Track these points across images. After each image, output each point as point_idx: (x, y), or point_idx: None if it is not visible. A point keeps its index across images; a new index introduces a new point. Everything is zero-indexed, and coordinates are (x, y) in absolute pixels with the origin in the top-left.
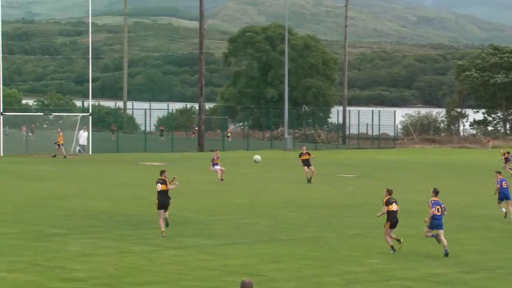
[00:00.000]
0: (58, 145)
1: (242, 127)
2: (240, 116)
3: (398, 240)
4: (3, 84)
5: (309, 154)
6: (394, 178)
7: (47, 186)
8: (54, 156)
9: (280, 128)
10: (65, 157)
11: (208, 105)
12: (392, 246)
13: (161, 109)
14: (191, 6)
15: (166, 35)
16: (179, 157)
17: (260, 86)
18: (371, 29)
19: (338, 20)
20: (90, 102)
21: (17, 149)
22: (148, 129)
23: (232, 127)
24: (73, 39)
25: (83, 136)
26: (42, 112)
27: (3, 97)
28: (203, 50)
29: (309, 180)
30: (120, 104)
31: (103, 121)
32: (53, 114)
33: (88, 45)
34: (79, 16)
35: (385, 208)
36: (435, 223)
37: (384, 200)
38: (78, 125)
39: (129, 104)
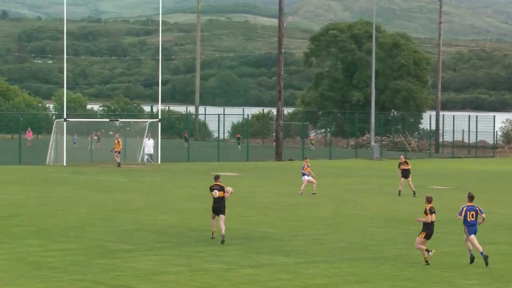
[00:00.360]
0: (115, 152)
1: (324, 134)
2: (322, 122)
3: (428, 251)
4: (67, 88)
5: (407, 164)
6: (494, 190)
7: (112, 198)
8: (119, 165)
9: (366, 135)
10: (119, 165)
11: (287, 110)
12: (426, 259)
13: (235, 114)
14: (269, 2)
15: (242, 34)
16: (255, 167)
17: (344, 89)
18: (468, 25)
19: (432, 16)
20: (159, 107)
21: (82, 158)
22: (221, 136)
23: (313, 134)
24: (142, 39)
25: (149, 145)
26: (108, 118)
27: (67, 102)
28: (282, 50)
29: (400, 193)
30: (191, 109)
31: (173, 128)
32: (120, 120)
33: (158, 45)
34: (149, 14)
35: (429, 217)
36: (471, 229)
37: (427, 209)
38: (146, 131)
39: (201, 109)
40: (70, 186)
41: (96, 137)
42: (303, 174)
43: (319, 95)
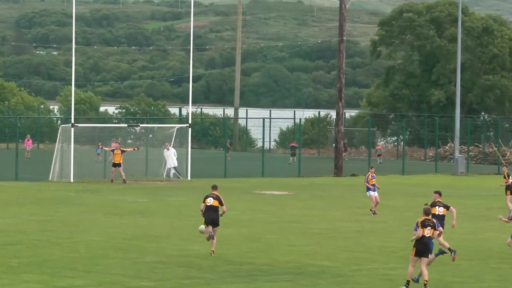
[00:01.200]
0: (115, 165)
1: (395, 143)
2: (393, 128)
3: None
4: (76, 86)
5: (507, 178)
6: None
7: (131, 222)
8: (125, 181)
9: (448, 145)
10: (111, 181)
11: (350, 113)
12: (408, 281)
13: (285, 118)
14: None
15: (293, 18)
16: (308, 184)
17: (421, 86)
18: None
19: None
20: (190, 109)
21: (93, 173)
22: (266, 146)
23: (382, 142)
24: (169, 25)
25: (171, 156)
26: (126, 123)
27: (76, 102)
28: (344, 38)
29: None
30: (229, 111)
31: (207, 135)
32: (141, 125)
33: (189, 32)
34: None
35: (419, 232)
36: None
37: (419, 222)
38: (173, 139)
39: (241, 112)
40: (79, 207)
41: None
42: (368, 189)
43: (390, 94)
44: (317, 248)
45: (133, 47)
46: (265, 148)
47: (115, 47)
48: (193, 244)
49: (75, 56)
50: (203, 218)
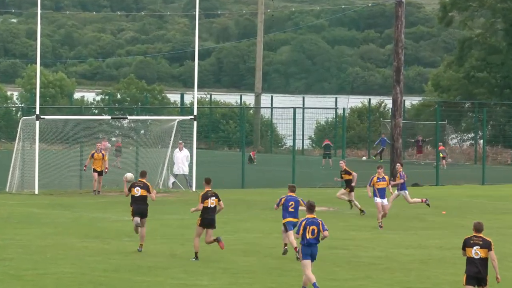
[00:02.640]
0: (97, 172)
1: (472, 142)
2: (470, 121)
3: None
4: (42, 64)
5: None
6: None
7: (115, 248)
8: (97, 192)
9: None
10: (97, 192)
11: (411, 100)
12: None
13: (323, 107)
14: None
15: None
16: (355, 197)
17: (507, 65)
18: None
19: None
20: (195, 96)
21: (65, 182)
22: (299, 145)
23: (455, 140)
24: None
25: (181, 159)
26: (109, 115)
27: (42, 86)
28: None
29: None
30: (249, 99)
31: (218, 130)
32: (129, 117)
33: None
34: None
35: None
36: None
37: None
38: (172, 136)
39: (265, 100)
40: (46, 228)
41: (108, 147)
42: (374, 194)
43: (465, 76)
44: (368, 283)
45: (119, 13)
46: (296, 148)
47: (95, 13)
48: (201, 278)
49: (41, 24)
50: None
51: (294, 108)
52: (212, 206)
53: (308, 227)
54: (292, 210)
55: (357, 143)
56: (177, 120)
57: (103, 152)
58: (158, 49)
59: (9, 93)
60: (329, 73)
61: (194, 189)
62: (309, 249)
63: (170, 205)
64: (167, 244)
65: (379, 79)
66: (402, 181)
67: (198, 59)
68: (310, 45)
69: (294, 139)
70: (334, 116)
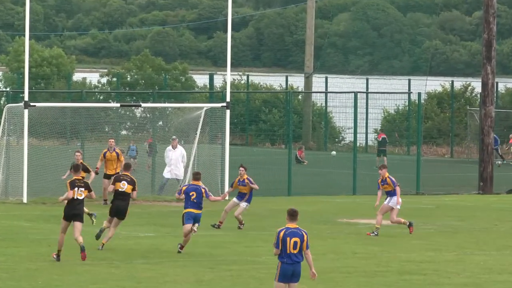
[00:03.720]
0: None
1: None
2: None
3: None
4: (33, 37)
5: None
6: None
7: (125, 273)
8: (106, 201)
9: None
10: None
11: (505, 83)
12: None
13: (393, 92)
14: None
15: None
16: (432, 206)
17: None
18: None
19: None
20: (228, 78)
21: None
22: (361, 140)
23: None
24: None
25: (174, 159)
26: (118, 101)
27: (34, 64)
28: None
29: None
30: (297, 81)
31: (258, 121)
32: (144, 105)
33: None
34: None
35: None
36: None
37: None
38: (199, 130)
39: (317, 82)
40: (38, 247)
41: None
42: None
43: None
44: None
45: None
46: (358, 144)
47: None
48: None
49: None
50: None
51: (355, 93)
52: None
53: (288, 238)
54: (194, 201)
55: (436, 137)
56: (204, 109)
57: (117, 150)
58: (181, 17)
59: None
60: (400, 48)
61: (228, 196)
62: (290, 268)
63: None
64: (191, 267)
65: (465, 55)
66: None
67: (232, 30)
68: (376, 12)
69: (355, 133)
70: (407, 103)
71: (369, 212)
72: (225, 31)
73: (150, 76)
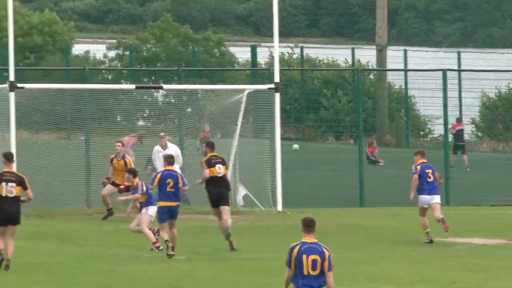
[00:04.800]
0: (122, 187)
1: None
2: None
3: None
4: None
5: None
6: None
7: None
8: (106, 217)
9: None
10: (110, 213)
11: None
12: None
13: (493, 70)
14: None
15: None
16: None
17: None
18: None
19: None
20: (276, 50)
21: (63, 195)
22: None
23: None
24: None
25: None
26: (132, 82)
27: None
28: None
29: None
30: (366, 54)
31: (318, 108)
32: (166, 86)
33: None
34: None
35: None
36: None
37: None
38: (240, 119)
39: (394, 57)
40: (32, 274)
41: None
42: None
43: None
44: None
45: None
46: (449, 139)
47: None
48: None
49: None
50: None
51: (444, 71)
52: (11, 195)
53: (305, 256)
54: (172, 190)
55: None
56: (246, 91)
57: (127, 158)
58: None
59: None
60: (500, 12)
61: (279, 207)
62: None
63: (242, 235)
64: None
65: None
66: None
67: None
68: None
69: (445, 124)
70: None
71: (468, 228)
72: None
73: (174, 48)
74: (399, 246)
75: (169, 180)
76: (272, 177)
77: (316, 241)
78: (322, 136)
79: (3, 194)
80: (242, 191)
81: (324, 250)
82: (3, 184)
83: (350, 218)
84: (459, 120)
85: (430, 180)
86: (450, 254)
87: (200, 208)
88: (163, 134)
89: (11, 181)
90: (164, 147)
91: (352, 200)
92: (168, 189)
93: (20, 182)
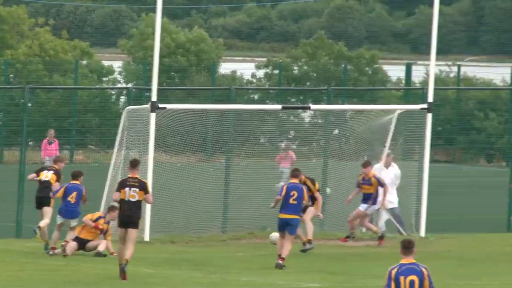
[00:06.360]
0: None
1: None
2: None
3: None
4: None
5: None
6: None
7: None
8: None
9: None
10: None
11: None
12: None
13: None
14: None
15: None
16: None
17: None
18: None
19: None
20: (432, 68)
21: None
22: None
23: None
24: None
25: (391, 178)
26: (278, 102)
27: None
28: None
29: None
30: None
31: (470, 129)
32: (313, 106)
33: None
34: None
35: None
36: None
37: None
38: (388, 141)
39: None
40: None
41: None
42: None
43: None
44: None
45: None
46: None
47: None
48: None
49: None
50: None
51: None
52: (133, 200)
53: (402, 278)
54: (294, 202)
55: None
56: (397, 112)
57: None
58: None
59: (106, 63)
60: None
61: (423, 233)
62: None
63: (380, 261)
64: None
65: None
66: None
67: (441, 4)
68: None
69: None
70: None
71: None
72: (431, 4)
73: (325, 67)
74: None
75: (293, 192)
76: (417, 199)
77: (415, 261)
78: (473, 159)
79: (126, 199)
80: (384, 216)
81: (423, 269)
82: (127, 189)
83: (497, 244)
84: None
85: None
86: None
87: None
88: (389, 151)
89: (134, 186)
90: (388, 165)
91: (500, 224)
92: (291, 201)
93: (143, 188)
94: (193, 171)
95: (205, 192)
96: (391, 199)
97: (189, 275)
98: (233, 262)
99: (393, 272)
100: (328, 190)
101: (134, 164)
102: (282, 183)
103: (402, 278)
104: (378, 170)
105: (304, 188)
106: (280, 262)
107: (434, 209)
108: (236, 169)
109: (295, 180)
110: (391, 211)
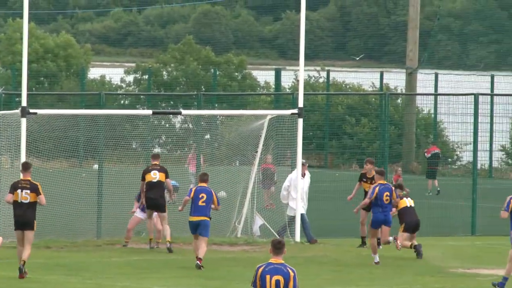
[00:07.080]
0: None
1: None
2: None
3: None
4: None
5: None
6: None
7: None
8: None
9: None
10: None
11: None
12: None
13: None
14: None
15: None
16: None
17: None
18: None
19: None
20: (301, 73)
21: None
22: (483, 161)
23: None
24: None
25: (307, 186)
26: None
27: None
28: None
29: None
30: (395, 77)
31: (342, 135)
32: (184, 112)
33: None
34: None
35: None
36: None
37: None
38: (260, 146)
39: (425, 81)
40: None
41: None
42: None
43: None
44: None
45: None
46: (479, 166)
47: None
48: None
49: None
50: None
51: (476, 95)
52: (25, 201)
53: (268, 277)
54: (203, 204)
55: None
56: (268, 117)
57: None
58: None
59: None
60: None
61: (298, 238)
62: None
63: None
64: None
65: None
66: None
67: (307, 9)
68: None
69: (474, 150)
70: None
71: (494, 260)
72: (298, 10)
73: (195, 72)
74: (422, 276)
75: (202, 194)
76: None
77: (283, 262)
78: (344, 164)
79: (19, 200)
80: (258, 221)
81: (290, 271)
82: (19, 191)
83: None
84: (434, 143)
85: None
86: (474, 286)
87: None
88: (303, 161)
89: (26, 188)
90: (303, 174)
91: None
92: (200, 203)
93: (34, 189)
94: (66, 176)
95: (78, 197)
96: (305, 206)
97: (65, 280)
98: (109, 267)
99: (260, 270)
100: (222, 193)
101: (26, 167)
102: (222, 192)
103: (268, 277)
104: (294, 180)
105: (213, 191)
106: (199, 262)
107: (310, 215)
108: (108, 173)
109: (204, 184)
110: (302, 217)
